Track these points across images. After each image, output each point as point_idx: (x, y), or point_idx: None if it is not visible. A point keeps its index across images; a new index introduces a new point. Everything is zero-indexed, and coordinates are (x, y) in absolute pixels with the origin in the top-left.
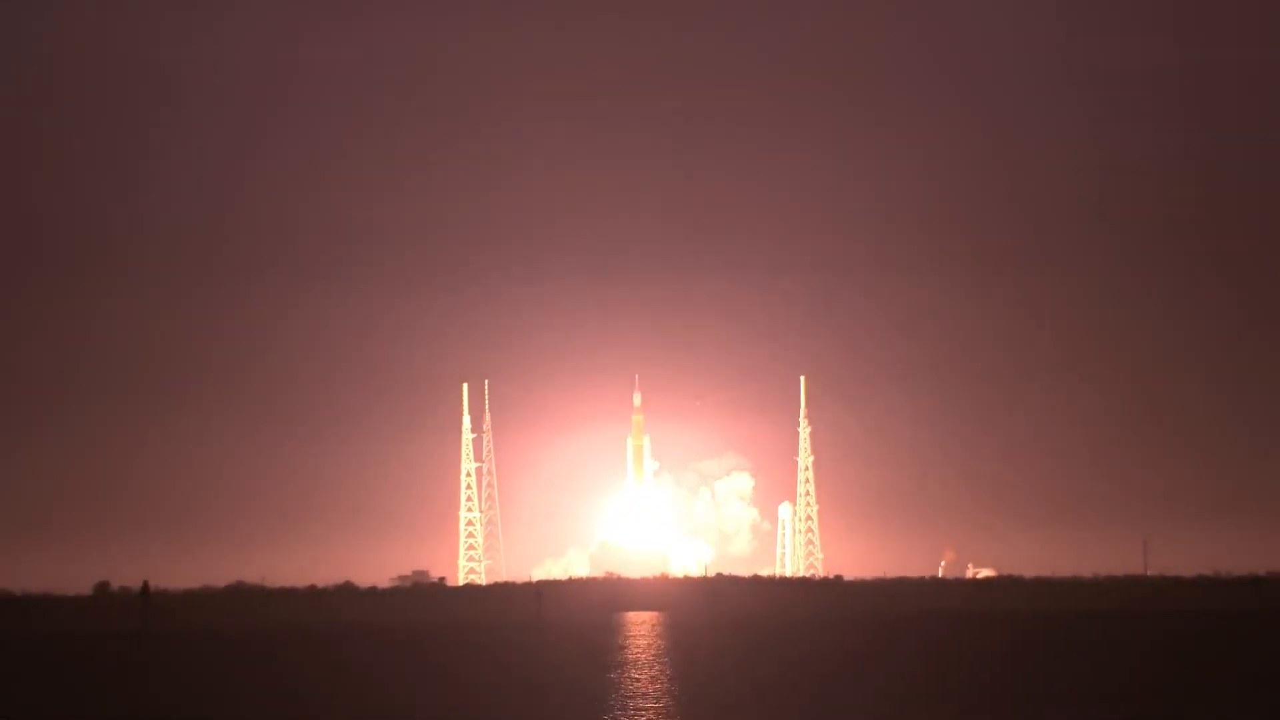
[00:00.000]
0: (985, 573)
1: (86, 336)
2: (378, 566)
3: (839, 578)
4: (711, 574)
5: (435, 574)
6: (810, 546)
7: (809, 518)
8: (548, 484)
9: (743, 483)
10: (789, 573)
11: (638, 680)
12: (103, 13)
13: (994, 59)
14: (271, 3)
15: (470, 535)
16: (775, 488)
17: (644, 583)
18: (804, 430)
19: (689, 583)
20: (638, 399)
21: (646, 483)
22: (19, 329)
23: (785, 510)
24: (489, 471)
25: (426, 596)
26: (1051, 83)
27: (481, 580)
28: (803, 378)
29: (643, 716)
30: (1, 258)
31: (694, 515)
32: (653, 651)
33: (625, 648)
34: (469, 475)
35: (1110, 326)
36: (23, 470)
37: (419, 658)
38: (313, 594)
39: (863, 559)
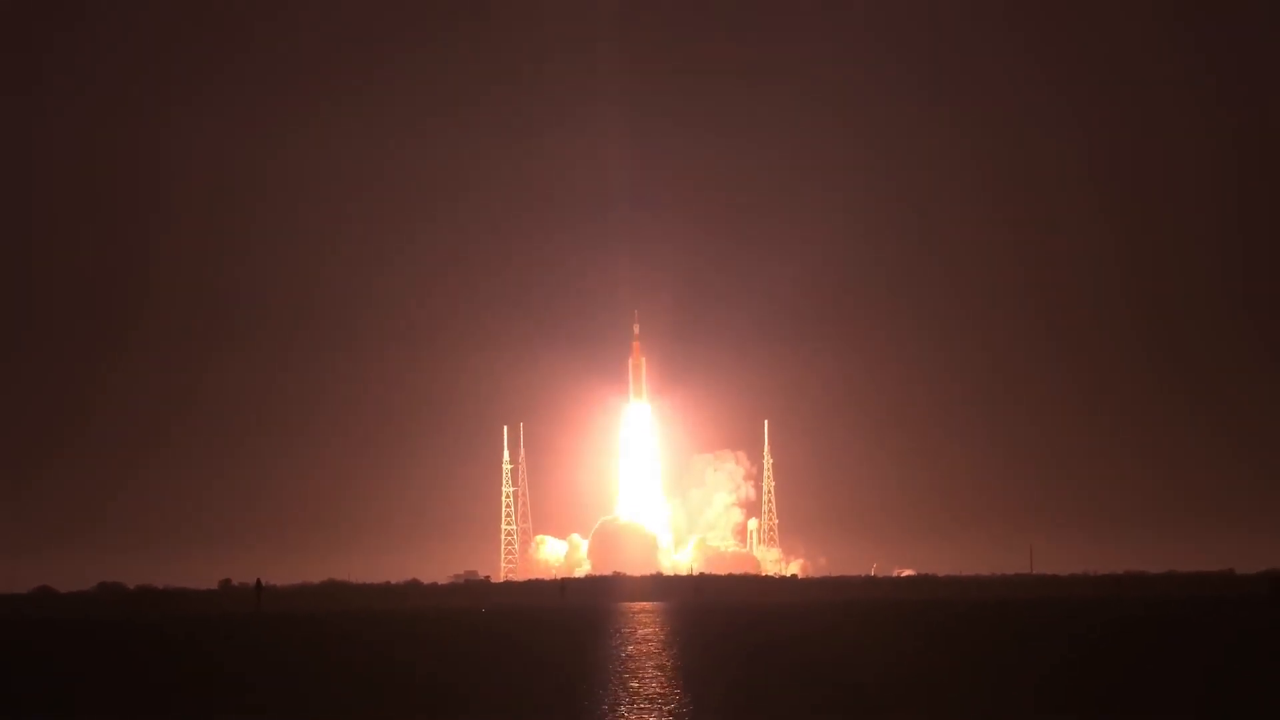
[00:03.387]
0: (907, 572)
1: (220, 389)
2: (437, 566)
3: (794, 576)
4: (696, 573)
5: (482, 573)
6: (773, 549)
7: (771, 529)
8: (567, 480)
9: (728, 497)
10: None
11: (646, 651)
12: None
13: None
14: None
15: (509, 542)
16: (745, 506)
17: (643, 579)
18: (767, 461)
19: (678, 579)
20: (636, 329)
21: (645, 397)
22: (175, 382)
23: (753, 524)
24: (523, 493)
25: (475, 590)
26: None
27: (518, 578)
28: (766, 421)
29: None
30: (137, 319)
31: (691, 517)
32: (659, 632)
33: (643, 632)
34: (508, 496)
35: (1002, 384)
36: (164, 489)
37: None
38: (387, 588)
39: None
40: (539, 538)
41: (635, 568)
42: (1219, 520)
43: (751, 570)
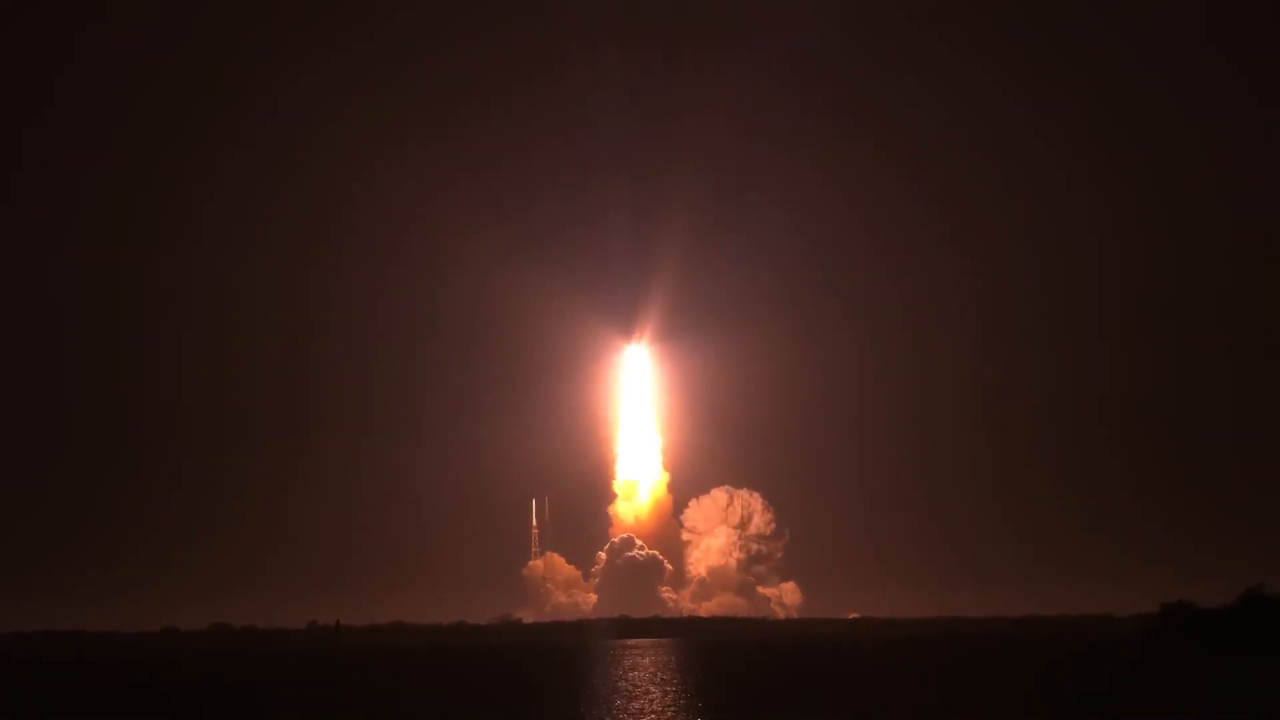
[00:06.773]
0: (854, 614)
1: (311, 468)
2: (480, 609)
3: (765, 618)
4: (686, 615)
5: (516, 615)
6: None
7: (752, 578)
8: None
9: (726, 537)
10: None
11: (655, 676)
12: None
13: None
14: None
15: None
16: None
17: (646, 620)
18: (747, 527)
19: (676, 620)
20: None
21: (644, 344)
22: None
23: None
24: (546, 551)
25: (513, 630)
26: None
27: (546, 620)
28: (750, 493)
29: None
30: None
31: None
32: (663, 663)
33: (647, 663)
34: (535, 553)
35: (936, 464)
36: (265, 546)
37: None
38: (439, 628)
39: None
40: (546, 554)
41: (641, 594)
42: (1099, 571)
43: (750, 608)
